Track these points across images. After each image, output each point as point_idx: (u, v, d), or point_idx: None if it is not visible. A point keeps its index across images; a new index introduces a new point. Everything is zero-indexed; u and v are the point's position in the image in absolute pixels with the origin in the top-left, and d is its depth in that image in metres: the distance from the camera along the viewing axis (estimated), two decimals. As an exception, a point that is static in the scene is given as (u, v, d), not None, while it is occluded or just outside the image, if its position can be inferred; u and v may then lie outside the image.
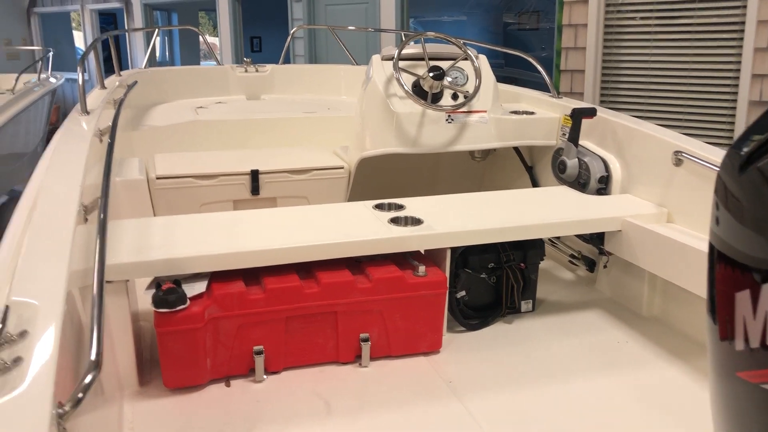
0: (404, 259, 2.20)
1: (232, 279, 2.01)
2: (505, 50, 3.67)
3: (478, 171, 3.63)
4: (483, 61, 3.01)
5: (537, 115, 3.02)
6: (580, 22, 5.14)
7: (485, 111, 2.94)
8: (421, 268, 2.13)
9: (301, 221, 2.23)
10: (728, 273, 0.87)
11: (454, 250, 2.24)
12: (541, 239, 2.41)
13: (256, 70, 4.87)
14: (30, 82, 6.42)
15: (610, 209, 2.43)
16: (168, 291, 1.86)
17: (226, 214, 2.33)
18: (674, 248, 2.16)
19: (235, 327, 1.98)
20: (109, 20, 12.00)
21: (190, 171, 2.90)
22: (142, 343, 2.17)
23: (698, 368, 2.10)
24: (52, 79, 6.92)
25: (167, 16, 12.24)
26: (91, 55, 11.06)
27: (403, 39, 4.97)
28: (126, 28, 10.32)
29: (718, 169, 0.92)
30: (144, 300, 2.08)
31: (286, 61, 5.40)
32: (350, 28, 6.01)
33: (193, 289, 1.93)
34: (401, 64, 2.92)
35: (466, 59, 2.97)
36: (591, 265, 2.76)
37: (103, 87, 3.27)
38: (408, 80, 2.91)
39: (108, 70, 3.47)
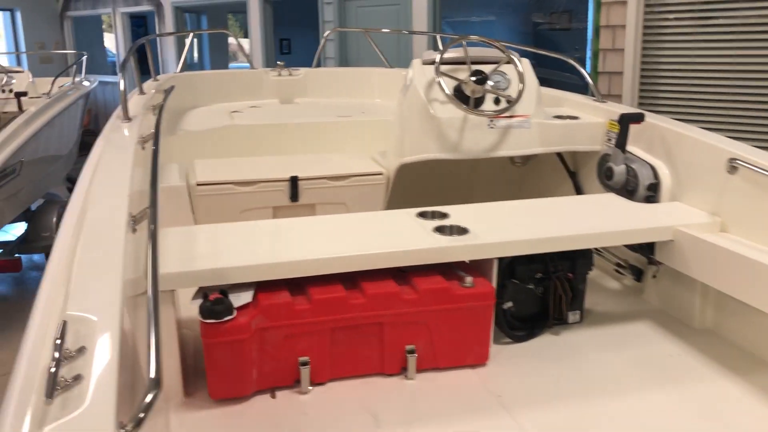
0: (450, 270, 2.16)
1: (278, 289, 1.98)
2: (545, 53, 3.60)
3: (517, 176, 3.57)
4: (526, 65, 2.95)
5: (581, 120, 2.96)
6: (618, 23, 5.05)
7: (528, 116, 2.88)
8: (469, 279, 2.08)
9: (344, 230, 2.20)
10: None
11: (500, 260, 2.19)
12: (589, 249, 2.35)
13: (290, 74, 4.85)
14: (64, 86, 6.48)
15: (661, 218, 2.36)
16: (215, 301, 1.84)
17: (269, 222, 2.31)
18: (731, 259, 2.08)
19: (281, 338, 1.95)
20: (139, 23, 12.11)
21: (230, 177, 2.88)
22: (185, 352, 2.15)
23: (759, 384, 2.02)
24: (86, 83, 6.99)
25: (196, 18, 12.31)
26: (123, 58, 11.16)
27: (438, 41, 4.92)
28: (157, 30, 10.40)
29: None
30: (186, 308, 2.06)
31: (318, 64, 5.38)
32: (384, 30, 5.97)
33: (239, 299, 1.91)
34: (442, 68, 2.87)
35: (508, 63, 2.91)
36: (638, 274, 2.69)
37: (142, 92, 3.27)
38: (449, 85, 2.86)
39: (141, 73, 3.47)
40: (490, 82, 2.89)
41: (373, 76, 4.96)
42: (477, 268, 2.21)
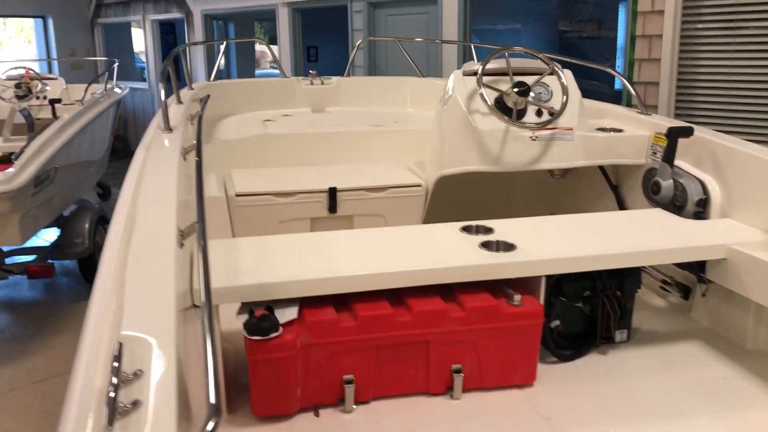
0: (497, 287, 2.11)
1: (323, 305, 1.95)
2: (584, 63, 3.53)
3: (556, 189, 3.51)
4: (569, 76, 2.90)
5: (625, 133, 2.89)
6: (654, 33, 4.97)
7: (571, 128, 2.82)
8: (517, 297, 2.03)
9: (388, 244, 2.16)
10: None
11: (548, 277, 2.14)
12: (638, 266, 2.29)
13: (322, 83, 4.84)
14: (96, 93, 6.53)
15: (712, 235, 2.29)
16: (262, 318, 1.81)
17: (310, 235, 2.28)
18: None
19: (326, 355, 1.91)
20: (168, 30, 12.22)
21: (269, 188, 2.86)
22: (227, 366, 2.13)
23: None
24: (117, 90, 7.04)
25: (224, 26, 12.40)
26: (152, 65, 11.24)
27: (472, 51, 4.88)
28: (186, 37, 10.47)
29: None
30: (225, 320, 2.03)
31: (349, 72, 5.37)
32: (417, 39, 5.94)
33: (284, 315, 1.88)
34: (483, 79, 2.82)
35: (551, 74, 2.86)
36: (685, 291, 2.62)
37: (180, 102, 3.26)
38: (491, 96, 2.82)
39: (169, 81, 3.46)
40: (531, 94, 2.84)
41: (405, 85, 4.93)
42: (524, 285, 2.15)
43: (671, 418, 1.90)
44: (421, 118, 4.24)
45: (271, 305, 1.88)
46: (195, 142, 2.34)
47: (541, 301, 2.11)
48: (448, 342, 1.99)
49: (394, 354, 1.97)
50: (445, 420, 1.91)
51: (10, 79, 6.80)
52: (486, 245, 2.15)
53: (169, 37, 12.21)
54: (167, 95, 2.69)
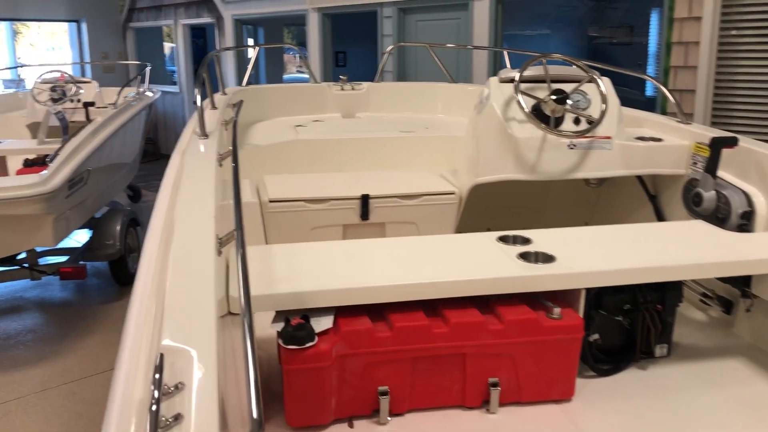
0: (536, 299, 2.07)
1: (358, 315, 1.92)
2: (625, 72, 3.47)
3: (592, 198, 3.45)
4: (607, 84, 2.85)
5: (665, 143, 2.83)
6: (691, 40, 4.88)
7: (610, 137, 2.77)
8: (557, 311, 1.98)
9: (424, 254, 2.13)
10: None
11: (588, 290, 2.09)
12: (680, 280, 2.23)
13: (352, 88, 4.83)
14: (129, 96, 6.61)
15: (759, 249, 2.22)
16: (297, 327, 1.79)
17: (345, 243, 2.25)
18: None
19: (361, 366, 1.88)
20: (199, 34, 12.32)
21: (302, 194, 2.85)
22: (260, 373, 2.11)
23: None
24: (149, 93, 7.11)
25: (254, 30, 12.48)
26: (182, 69, 11.33)
27: (505, 57, 4.84)
28: (217, 42, 10.55)
29: None
30: (258, 327, 2.01)
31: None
32: (449, 45, 5.92)
33: (319, 324, 1.86)
34: (520, 86, 2.78)
35: (590, 82, 2.81)
36: (727, 306, 2.55)
37: (214, 107, 3.27)
38: (528, 104, 2.78)
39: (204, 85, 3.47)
40: (569, 101, 2.79)
41: (436, 91, 4.90)
42: (563, 297, 2.11)
43: None
44: (453, 124, 4.21)
45: (306, 314, 1.86)
46: (231, 148, 2.34)
47: (581, 314, 2.06)
48: (485, 355, 1.95)
49: (429, 366, 1.94)
50: None
51: (45, 82, 6.91)
52: (524, 256, 2.11)
53: (199, 41, 12.31)
54: (203, 98, 2.69)
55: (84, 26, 12.02)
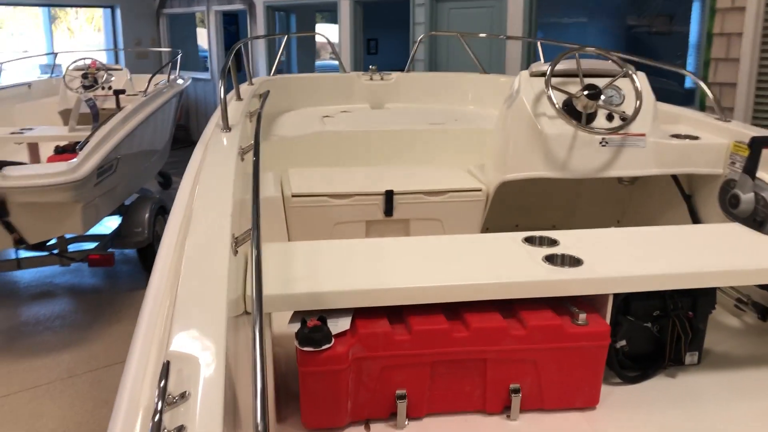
0: (560, 303, 2.00)
1: (377, 317, 1.88)
2: (661, 66, 3.34)
3: (624, 196, 3.35)
4: (642, 79, 2.75)
5: (702, 141, 2.72)
6: (734, 31, 4.70)
7: (644, 134, 2.67)
8: (582, 316, 1.91)
9: (447, 254, 2.07)
10: None
11: (616, 295, 2.01)
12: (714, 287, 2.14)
13: (381, 78, 4.77)
14: (160, 84, 6.63)
15: None
16: (314, 329, 1.75)
17: (366, 242, 2.21)
18: None
19: (378, 368, 1.84)
20: (231, 20, 12.34)
21: (325, 189, 2.81)
22: (277, 371, 2.08)
23: None
24: (180, 80, 7.13)
25: (286, 17, 12.45)
26: (214, 56, 11.37)
27: (539, 47, 4.73)
28: (248, 28, 10.55)
29: None
30: (278, 323, 1.99)
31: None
32: (481, 35, 5.81)
33: (336, 326, 1.82)
34: (551, 81, 2.70)
35: (624, 76, 2.71)
36: (763, 312, 2.45)
37: (240, 98, 3.24)
38: (559, 99, 2.69)
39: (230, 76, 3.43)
40: (603, 97, 2.70)
41: (467, 82, 4.81)
42: (589, 302, 2.04)
43: None
44: (483, 116, 4.13)
45: (324, 315, 1.82)
46: (253, 142, 2.31)
47: (608, 320, 1.99)
48: (507, 361, 1.89)
49: (449, 370, 1.89)
50: None
51: (77, 69, 6.96)
52: (550, 259, 2.04)
53: (231, 27, 12.33)
54: (226, 92, 2.66)
55: (118, 12, 12.12)
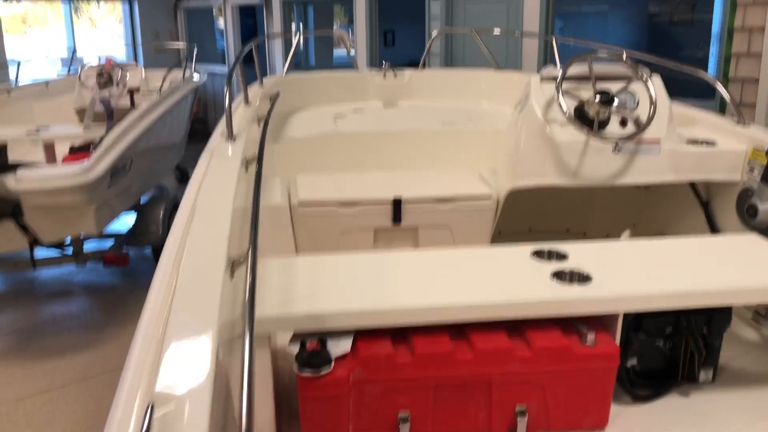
0: (568, 322, 1.95)
1: (379, 337, 1.84)
2: (678, 67, 3.23)
3: (639, 202, 3.27)
4: (657, 83, 2.67)
5: (719, 147, 2.64)
6: (756, 25, 4.57)
7: (658, 140, 2.60)
8: (590, 337, 1.86)
9: (451, 270, 2.02)
10: None
11: (627, 314, 1.96)
12: None
13: (395, 76, 4.71)
14: (176, 80, 6.63)
15: None
16: (313, 352, 1.72)
17: (370, 256, 2.17)
18: None
19: (380, 392, 1.81)
20: (249, 13, 12.32)
21: (332, 196, 2.78)
22: (279, 386, 2.06)
23: None
24: (196, 75, 7.13)
25: (303, 9, 12.40)
26: (231, 49, 11.35)
27: (554, 44, 4.63)
28: (265, 22, 10.52)
29: None
30: (282, 338, 1.96)
31: (424, 64, 5.22)
32: (495, 32, 5.72)
33: (337, 348, 1.78)
34: (563, 86, 2.63)
35: (640, 80, 2.63)
36: (781, 326, 2.37)
37: (247, 102, 3.21)
38: (570, 104, 2.62)
39: (245, 61, 3.37)
40: (616, 101, 2.62)
41: (481, 79, 4.74)
42: (599, 320, 1.98)
43: None
44: (497, 114, 4.06)
45: (323, 338, 1.79)
46: (257, 152, 2.28)
47: (618, 339, 1.93)
48: (513, 383, 1.85)
49: (453, 393, 1.85)
50: None
51: (92, 68, 6.99)
52: (558, 276, 1.98)
53: (249, 20, 12.31)
54: (231, 99, 2.62)
55: (136, 5, 12.15)
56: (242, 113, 2.98)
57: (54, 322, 4.69)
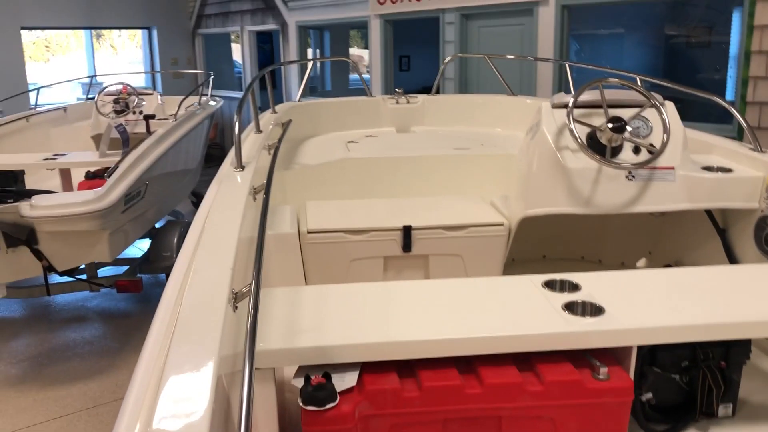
0: (580, 354, 1.89)
1: (385, 371, 1.80)
2: (694, 92, 3.19)
3: (654, 229, 3.22)
4: (671, 110, 2.63)
5: (735, 174, 2.59)
6: (773, 49, 4.53)
7: (673, 167, 2.55)
8: (603, 370, 1.81)
9: (461, 301, 1.98)
10: None
11: (641, 347, 1.90)
12: None
13: (407, 101, 4.72)
14: (192, 106, 6.68)
15: None
16: (317, 387, 1.69)
17: (378, 286, 2.13)
18: None
19: (386, 427, 1.77)
20: (265, 39, 12.47)
21: (342, 225, 2.76)
22: (286, 419, 2.02)
23: None
24: (212, 102, 7.19)
25: (320, 34, 12.52)
26: (248, 74, 11.46)
27: (567, 69, 4.62)
28: (281, 47, 10.63)
29: None
30: (290, 370, 1.93)
31: (437, 89, 5.21)
32: (509, 57, 5.72)
33: (343, 382, 1.75)
34: (575, 112, 2.60)
35: (652, 107, 2.60)
36: (804, 357, 2.30)
37: (259, 130, 3.21)
38: (582, 131, 2.59)
39: (262, 87, 3.43)
40: (628, 128, 2.59)
41: (493, 104, 4.73)
42: (612, 353, 1.93)
43: None
44: (510, 139, 4.04)
45: (328, 372, 1.75)
46: (265, 182, 2.27)
47: (632, 373, 1.88)
48: (523, 418, 1.80)
49: (462, 428, 1.80)
50: None
51: (108, 94, 7.07)
52: (570, 307, 1.94)
53: (266, 46, 12.45)
54: (241, 127, 2.62)
55: (155, 33, 12.35)
56: (253, 141, 2.98)
57: (67, 348, 4.69)
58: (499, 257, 2.84)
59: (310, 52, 11.27)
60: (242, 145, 2.80)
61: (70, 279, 4.81)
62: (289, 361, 1.76)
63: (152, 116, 6.66)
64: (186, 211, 8.02)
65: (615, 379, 1.81)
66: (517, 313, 1.92)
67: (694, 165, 2.65)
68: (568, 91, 2.84)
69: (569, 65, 4.30)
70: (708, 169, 2.65)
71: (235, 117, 2.65)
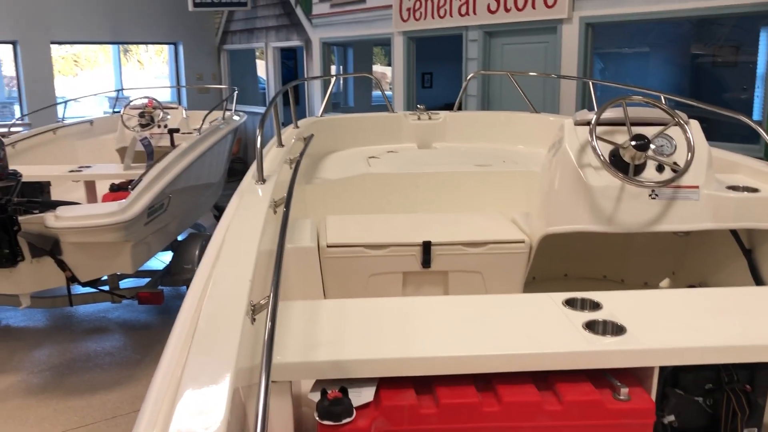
0: (601, 374, 1.86)
1: (403, 387, 1.79)
2: (718, 110, 3.15)
3: (679, 249, 3.17)
4: (695, 128, 2.60)
5: (762, 193, 2.55)
6: (801, 68, 4.46)
7: (697, 186, 2.52)
8: (624, 391, 1.78)
9: (480, 318, 1.97)
10: None
11: (663, 368, 1.87)
12: None
13: (429, 118, 4.72)
14: (216, 120, 6.76)
15: None
16: (334, 401, 1.68)
17: (397, 302, 2.13)
18: None
19: (403, 444, 1.75)
20: (289, 55, 12.60)
21: (361, 239, 2.75)
22: (303, 430, 2.01)
23: None
24: (236, 117, 7.26)
25: (343, 50, 12.62)
26: (272, 90, 11.58)
27: (590, 87, 4.59)
28: (305, 64, 10.73)
29: None
30: (307, 384, 1.93)
31: (459, 105, 5.22)
32: (531, 74, 5.71)
33: (360, 397, 1.73)
34: (597, 130, 2.58)
35: (677, 125, 2.57)
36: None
37: (281, 144, 3.23)
38: (605, 149, 2.57)
39: (285, 102, 3.46)
40: (651, 146, 2.56)
41: (516, 121, 4.72)
42: (633, 373, 1.90)
43: None
44: (532, 156, 4.02)
45: (345, 386, 1.74)
46: (286, 195, 2.28)
47: (653, 395, 1.84)
48: None
49: None
50: None
51: (134, 108, 7.18)
52: (591, 326, 1.91)
53: (290, 62, 12.57)
54: (263, 142, 2.64)
55: (181, 48, 12.54)
56: (275, 155, 3.00)
57: (88, 359, 4.73)
58: (519, 275, 2.81)
59: (333, 69, 11.36)
60: (264, 159, 2.82)
61: (93, 290, 4.86)
62: (306, 374, 1.75)
63: (176, 130, 6.74)
64: (208, 224, 8.07)
65: (636, 400, 1.78)
66: (537, 330, 1.89)
67: (719, 184, 2.61)
68: (591, 109, 2.82)
69: (593, 83, 4.27)
70: (733, 188, 2.62)
71: (258, 131, 2.67)
